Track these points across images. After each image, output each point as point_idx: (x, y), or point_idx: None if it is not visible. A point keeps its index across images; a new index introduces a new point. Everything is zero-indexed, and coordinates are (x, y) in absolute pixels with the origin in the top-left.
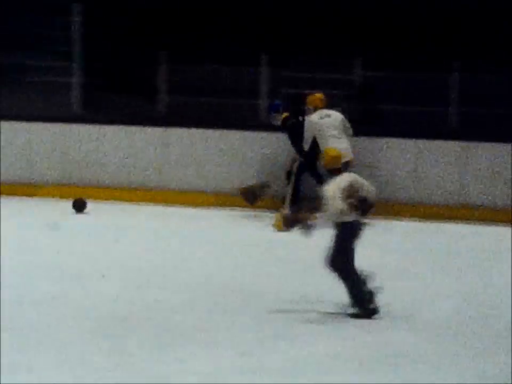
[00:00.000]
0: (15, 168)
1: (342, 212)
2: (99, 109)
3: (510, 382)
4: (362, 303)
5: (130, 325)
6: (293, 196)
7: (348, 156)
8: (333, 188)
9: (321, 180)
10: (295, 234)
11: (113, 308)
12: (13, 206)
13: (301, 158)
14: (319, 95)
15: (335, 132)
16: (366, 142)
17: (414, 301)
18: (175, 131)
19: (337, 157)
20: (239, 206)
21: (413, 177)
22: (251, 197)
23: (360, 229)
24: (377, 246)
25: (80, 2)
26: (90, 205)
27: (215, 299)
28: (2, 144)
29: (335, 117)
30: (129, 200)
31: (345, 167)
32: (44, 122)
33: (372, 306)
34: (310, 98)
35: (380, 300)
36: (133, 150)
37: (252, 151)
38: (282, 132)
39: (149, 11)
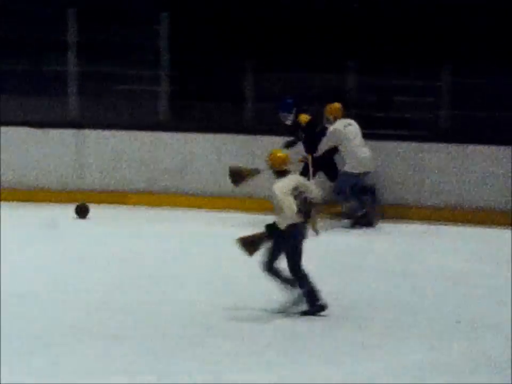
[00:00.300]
0: (102, 177)
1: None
2: (186, 117)
3: (510, 382)
4: (314, 300)
5: None
6: None
7: (373, 164)
8: (282, 188)
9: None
10: None
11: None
12: (104, 214)
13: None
14: (338, 105)
15: (359, 140)
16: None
17: None
18: (261, 139)
19: (286, 159)
20: None
21: None
22: (237, 178)
23: (304, 231)
24: None
25: (168, 11)
26: (182, 213)
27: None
28: (89, 152)
29: (355, 125)
30: (215, 207)
31: (365, 174)
32: (131, 131)
33: (320, 303)
34: (330, 108)
35: None
36: (218, 157)
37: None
38: (294, 132)
39: (235, 19)
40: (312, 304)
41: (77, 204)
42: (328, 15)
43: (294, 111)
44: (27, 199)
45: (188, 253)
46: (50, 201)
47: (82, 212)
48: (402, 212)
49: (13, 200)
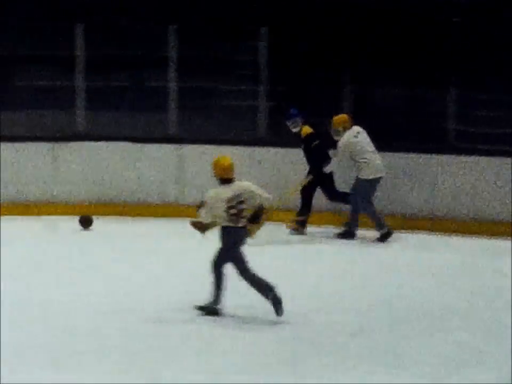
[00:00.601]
0: (202, 191)
1: (218, 218)
2: (284, 132)
3: (510, 382)
4: (215, 301)
5: None
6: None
7: (384, 170)
8: (213, 196)
9: (336, 195)
10: None
11: None
12: None
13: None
14: (345, 116)
15: (371, 147)
16: None
17: None
18: None
19: (227, 167)
20: None
21: None
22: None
23: (242, 235)
24: None
25: (267, 26)
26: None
27: None
28: (189, 167)
29: (364, 134)
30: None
31: (379, 180)
32: (229, 146)
33: (215, 307)
34: (337, 120)
35: None
36: None
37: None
38: (299, 143)
39: (333, 34)
40: (212, 303)
41: (81, 215)
42: (428, 31)
43: (299, 121)
44: (126, 214)
45: None
46: (151, 215)
47: (86, 223)
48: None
49: (111, 214)
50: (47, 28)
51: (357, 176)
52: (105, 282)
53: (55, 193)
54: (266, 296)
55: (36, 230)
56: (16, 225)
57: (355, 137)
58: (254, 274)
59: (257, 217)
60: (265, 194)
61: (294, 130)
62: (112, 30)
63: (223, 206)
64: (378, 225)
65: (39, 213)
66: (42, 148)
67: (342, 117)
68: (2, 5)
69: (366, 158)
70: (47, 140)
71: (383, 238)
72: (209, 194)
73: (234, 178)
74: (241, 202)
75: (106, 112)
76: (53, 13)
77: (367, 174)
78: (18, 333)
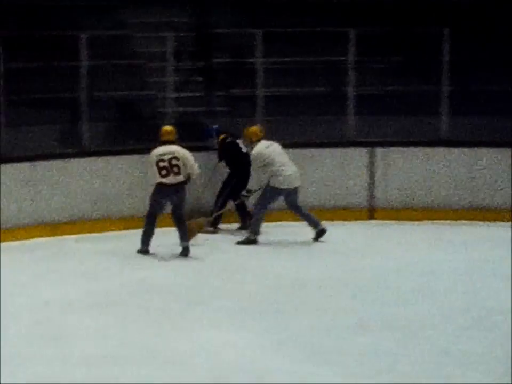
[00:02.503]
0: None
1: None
2: (466, 132)
3: (510, 382)
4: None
5: None
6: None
7: (299, 180)
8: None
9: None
10: None
11: None
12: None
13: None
14: (255, 128)
15: (284, 158)
16: None
17: None
18: None
19: (166, 131)
20: None
21: None
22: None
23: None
24: None
25: (449, 28)
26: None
27: None
28: (380, 170)
29: (276, 144)
30: None
31: (290, 191)
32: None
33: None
34: (249, 131)
35: None
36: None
37: None
38: (220, 154)
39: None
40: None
41: None
42: None
43: (214, 137)
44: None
45: None
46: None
47: None
48: None
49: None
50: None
51: (267, 183)
52: None
53: None
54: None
55: None
56: None
57: (266, 148)
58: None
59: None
60: (195, 165)
61: (214, 146)
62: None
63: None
64: (252, 230)
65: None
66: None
67: (255, 128)
68: None
69: (277, 170)
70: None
71: (244, 242)
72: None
73: (175, 141)
74: (174, 158)
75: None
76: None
77: (277, 183)
78: None
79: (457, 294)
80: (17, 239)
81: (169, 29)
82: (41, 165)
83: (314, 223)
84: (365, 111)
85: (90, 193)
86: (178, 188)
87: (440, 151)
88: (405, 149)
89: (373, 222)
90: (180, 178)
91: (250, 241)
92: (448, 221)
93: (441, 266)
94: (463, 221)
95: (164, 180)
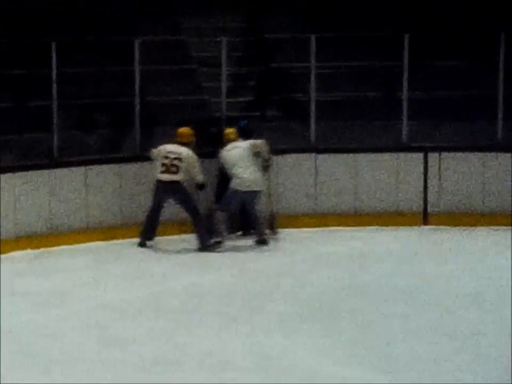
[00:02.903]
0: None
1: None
2: None
3: (510, 382)
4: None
5: None
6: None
7: (259, 184)
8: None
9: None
10: None
11: None
12: None
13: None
14: (228, 130)
15: (245, 163)
16: None
17: None
18: None
19: (185, 133)
20: None
21: None
22: None
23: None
24: None
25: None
26: None
27: None
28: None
29: (243, 147)
30: None
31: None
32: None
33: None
34: (223, 133)
35: None
36: None
37: None
38: None
39: None
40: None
41: None
42: None
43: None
44: None
45: None
46: None
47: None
48: None
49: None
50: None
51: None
52: None
53: None
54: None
55: None
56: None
57: (228, 151)
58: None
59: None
60: (199, 172)
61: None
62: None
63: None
64: (216, 232)
65: None
66: None
67: (228, 130)
68: None
69: (235, 172)
70: None
71: (208, 246)
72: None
73: (189, 143)
74: (178, 159)
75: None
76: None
77: (235, 185)
78: None
79: None
80: (73, 242)
81: (223, 33)
82: (95, 169)
83: (259, 232)
84: (419, 116)
85: (143, 197)
86: (175, 187)
87: (495, 156)
88: (460, 153)
89: (427, 227)
90: (176, 177)
91: (216, 243)
92: (503, 226)
93: (497, 272)
94: None
95: (160, 176)
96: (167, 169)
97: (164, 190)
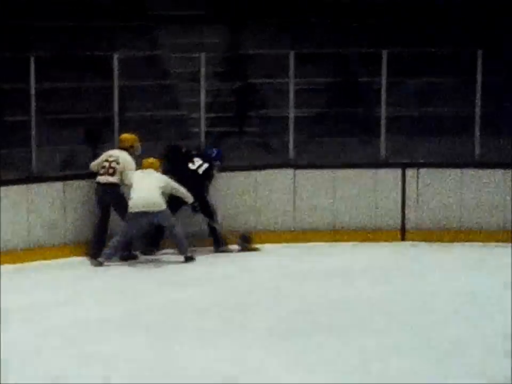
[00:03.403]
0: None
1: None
2: None
3: (510, 382)
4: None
5: None
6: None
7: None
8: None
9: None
10: None
11: None
12: None
13: None
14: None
15: (143, 181)
16: None
17: None
18: None
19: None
20: None
21: None
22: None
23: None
24: None
25: None
26: None
27: None
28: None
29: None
30: None
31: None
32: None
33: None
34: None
35: None
36: None
37: None
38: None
39: None
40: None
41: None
42: None
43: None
44: None
45: None
46: None
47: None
48: None
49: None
50: None
51: None
52: None
53: None
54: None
55: None
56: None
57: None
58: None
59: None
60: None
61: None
62: None
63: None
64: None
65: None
66: None
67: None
68: None
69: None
70: None
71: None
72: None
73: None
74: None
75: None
76: None
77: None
78: None
79: (491, 316)
80: (50, 258)
81: (202, 49)
82: (73, 185)
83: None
84: (397, 132)
85: None
86: (108, 188)
87: (473, 172)
88: (437, 170)
89: (405, 243)
90: (112, 179)
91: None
92: (480, 243)
93: (474, 288)
94: (495, 243)
95: (98, 178)
96: (106, 171)
97: (100, 191)
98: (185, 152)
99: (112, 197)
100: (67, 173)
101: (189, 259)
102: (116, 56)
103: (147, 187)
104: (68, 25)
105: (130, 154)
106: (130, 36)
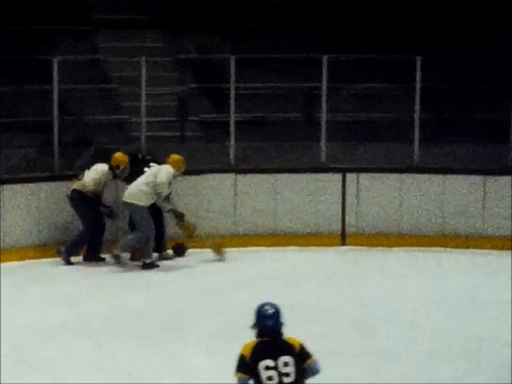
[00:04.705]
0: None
1: None
2: None
3: (510, 382)
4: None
5: None
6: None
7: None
8: None
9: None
10: None
11: None
12: None
13: None
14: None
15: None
16: None
17: None
18: None
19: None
20: None
21: None
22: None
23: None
24: None
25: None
26: None
27: None
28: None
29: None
30: None
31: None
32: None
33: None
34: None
35: None
36: None
37: None
38: None
39: None
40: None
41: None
42: None
43: None
44: None
45: None
46: None
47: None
48: None
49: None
50: None
51: None
52: None
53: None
54: None
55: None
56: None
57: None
58: None
59: None
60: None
61: None
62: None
63: None
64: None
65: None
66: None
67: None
68: None
69: None
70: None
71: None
72: None
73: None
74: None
75: None
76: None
77: None
78: None
79: (429, 321)
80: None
81: (142, 53)
82: (11, 189)
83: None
84: (338, 137)
85: (59, 217)
86: (74, 195)
87: (412, 178)
88: (377, 175)
89: (345, 247)
90: (79, 184)
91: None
92: (419, 247)
93: (412, 292)
94: (434, 247)
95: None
96: (77, 178)
97: (71, 196)
98: (142, 158)
99: (75, 204)
100: (5, 177)
101: (148, 266)
102: (55, 60)
103: (139, 180)
104: (8, 28)
105: (115, 173)
106: (71, 40)
